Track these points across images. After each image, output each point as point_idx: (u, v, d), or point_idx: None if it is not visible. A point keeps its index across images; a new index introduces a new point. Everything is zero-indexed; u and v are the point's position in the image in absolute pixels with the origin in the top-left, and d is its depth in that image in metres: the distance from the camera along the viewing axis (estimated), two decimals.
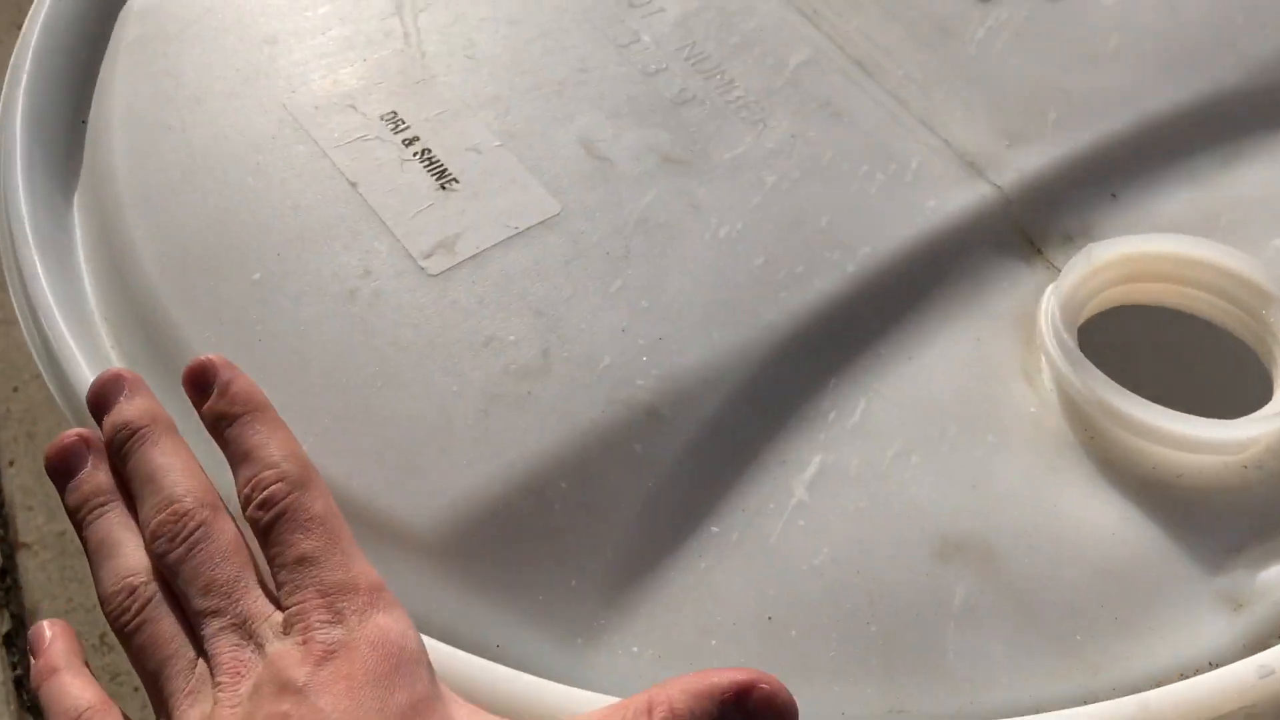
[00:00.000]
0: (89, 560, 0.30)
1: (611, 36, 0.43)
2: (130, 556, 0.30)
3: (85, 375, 0.35)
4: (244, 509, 0.29)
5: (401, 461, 0.32)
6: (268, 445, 0.30)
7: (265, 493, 0.29)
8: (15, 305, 0.37)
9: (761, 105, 0.41)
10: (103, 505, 0.31)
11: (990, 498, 0.33)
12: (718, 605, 0.31)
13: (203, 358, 0.31)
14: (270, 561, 0.29)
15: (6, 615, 1.00)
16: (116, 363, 0.37)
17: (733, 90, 0.41)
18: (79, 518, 0.31)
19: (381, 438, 0.33)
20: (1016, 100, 0.41)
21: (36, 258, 0.37)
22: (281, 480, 0.29)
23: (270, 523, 0.28)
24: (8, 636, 0.99)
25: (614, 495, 0.32)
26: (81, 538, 0.30)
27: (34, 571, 1.02)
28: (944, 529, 0.32)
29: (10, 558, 1.03)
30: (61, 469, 0.31)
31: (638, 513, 0.32)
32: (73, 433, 0.32)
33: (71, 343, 0.36)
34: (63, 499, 0.31)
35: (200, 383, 0.31)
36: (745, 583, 0.32)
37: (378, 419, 0.33)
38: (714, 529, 0.32)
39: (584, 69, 0.42)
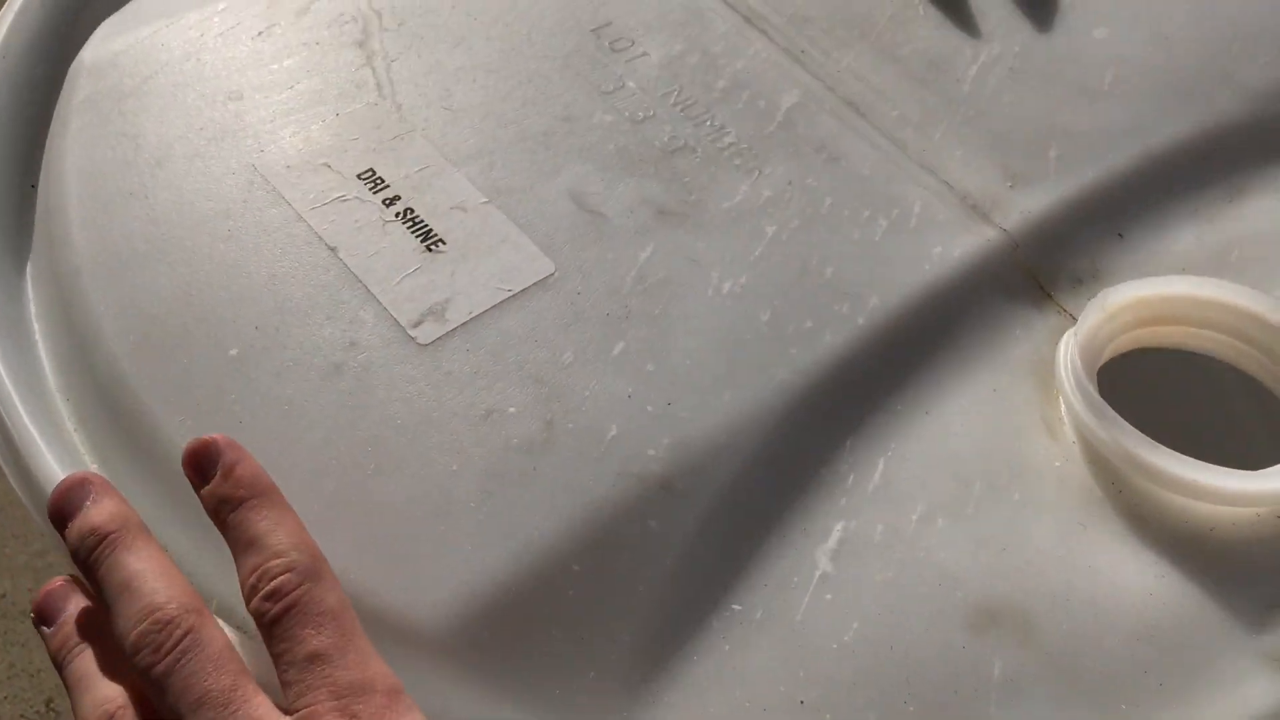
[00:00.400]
0: (70, 700, 0.29)
1: (595, 83, 0.41)
2: (108, 685, 0.28)
3: (46, 458, 0.32)
4: (248, 600, 0.27)
5: (400, 550, 0.30)
6: (275, 532, 0.28)
7: (273, 583, 0.27)
8: None
9: (755, 151, 0.39)
10: (81, 643, 0.29)
11: (1022, 561, 0.31)
12: (745, 691, 0.29)
13: (205, 437, 0.29)
14: (277, 659, 0.27)
15: None
16: (80, 445, 0.34)
17: (724, 136, 0.40)
18: (59, 660, 0.29)
19: (378, 524, 0.31)
20: (1016, 139, 0.40)
21: None
22: (290, 570, 0.27)
23: (278, 616, 0.27)
24: None
25: (630, 576, 0.30)
26: (63, 680, 0.29)
27: None
28: (977, 597, 0.31)
29: None
30: (44, 616, 0.30)
31: (656, 594, 0.30)
32: (57, 580, 0.30)
33: (30, 424, 0.33)
34: (45, 642, 0.30)
35: (201, 464, 0.29)
36: (773, 665, 0.30)
37: (373, 504, 0.31)
38: (736, 607, 0.31)
39: (569, 118, 0.40)
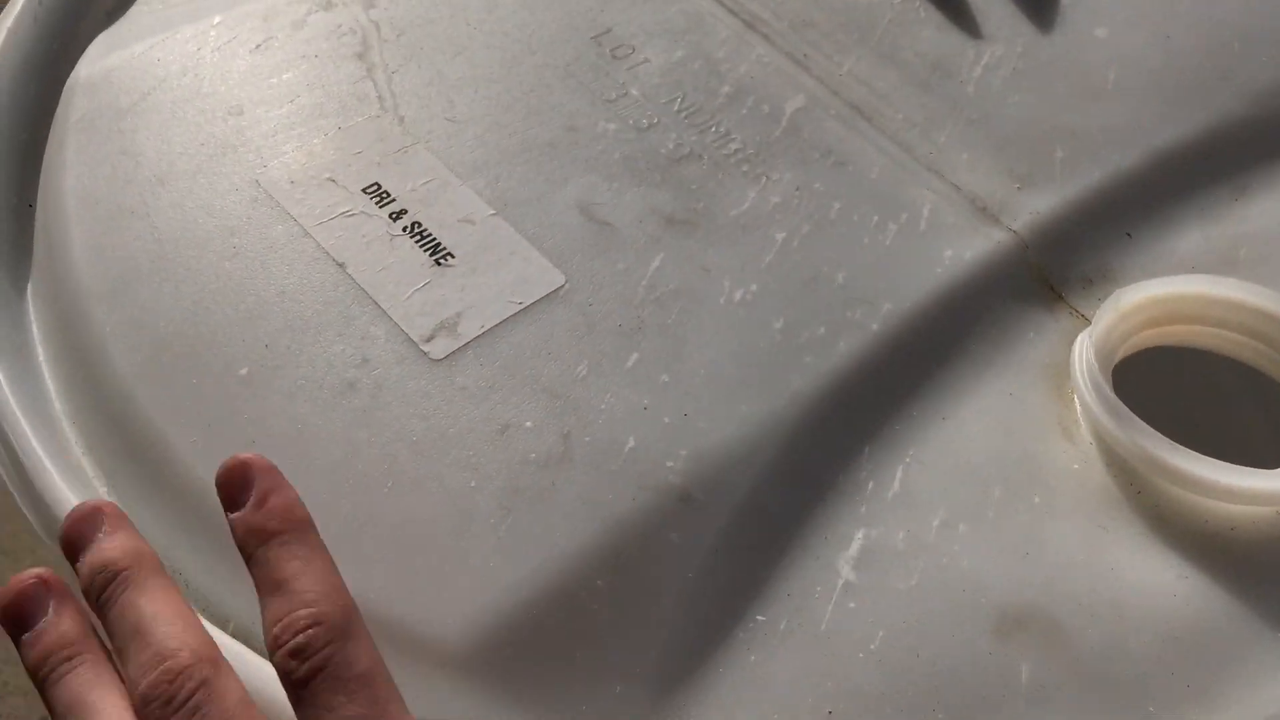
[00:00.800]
0: None
1: (597, 91, 0.41)
2: (114, 717, 0.26)
3: (57, 483, 0.32)
4: (271, 650, 0.26)
5: (421, 568, 0.30)
6: (304, 575, 0.26)
7: (299, 639, 0.25)
8: None
9: (761, 158, 0.39)
10: (69, 660, 0.27)
11: (1045, 565, 0.31)
12: (774, 702, 0.29)
13: (242, 456, 0.27)
14: None
15: None
16: (89, 470, 0.34)
17: (730, 143, 0.39)
18: (41, 676, 0.27)
19: (397, 543, 0.30)
20: (1022, 140, 0.40)
21: None
22: (319, 624, 0.25)
23: (306, 678, 0.25)
24: None
25: (653, 590, 0.30)
26: (46, 701, 0.26)
27: None
28: (1001, 602, 0.31)
29: None
30: (17, 618, 0.27)
31: (680, 607, 0.30)
32: (29, 574, 0.28)
33: (39, 449, 0.33)
34: (21, 655, 0.27)
35: (233, 487, 0.27)
36: (800, 675, 0.30)
37: (391, 523, 0.30)
38: (760, 617, 0.30)
39: (572, 128, 0.40)
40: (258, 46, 0.41)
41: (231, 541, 0.30)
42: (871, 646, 0.30)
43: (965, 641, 0.30)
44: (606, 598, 0.30)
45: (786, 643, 0.30)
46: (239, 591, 0.30)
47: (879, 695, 0.29)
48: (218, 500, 0.31)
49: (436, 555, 0.30)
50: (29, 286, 0.38)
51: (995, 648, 0.30)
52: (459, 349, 0.34)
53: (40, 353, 0.36)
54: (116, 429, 0.33)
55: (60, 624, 0.27)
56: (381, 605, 0.29)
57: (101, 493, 0.33)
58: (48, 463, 0.32)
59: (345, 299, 0.34)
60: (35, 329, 0.37)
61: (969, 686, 0.29)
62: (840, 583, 0.31)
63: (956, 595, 0.31)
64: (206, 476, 0.31)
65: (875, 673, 0.30)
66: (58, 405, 0.35)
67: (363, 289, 0.35)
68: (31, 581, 0.28)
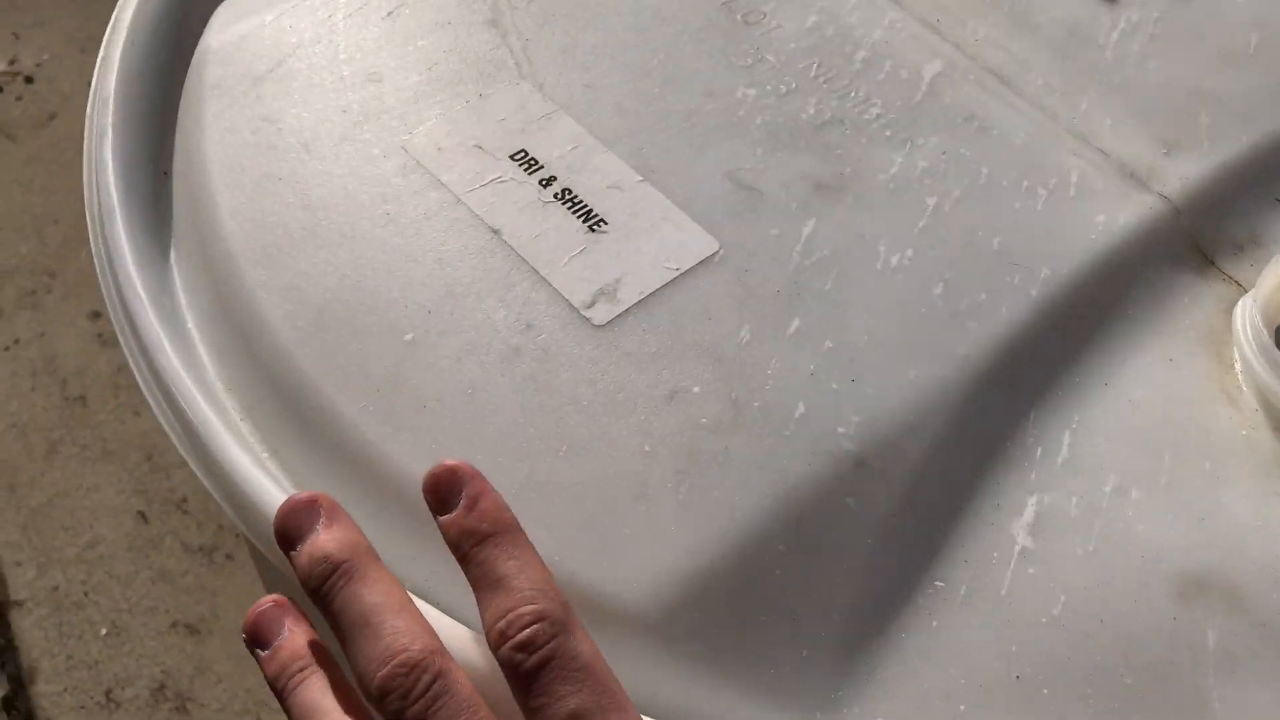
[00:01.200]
0: None
1: (732, 58, 0.40)
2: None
3: (233, 450, 0.32)
4: (495, 645, 0.26)
5: (603, 532, 0.30)
6: (523, 574, 0.27)
7: (525, 633, 0.26)
8: (138, 377, 0.34)
9: (904, 123, 0.39)
10: (303, 670, 0.28)
11: (1222, 530, 0.31)
12: (959, 667, 0.29)
13: (449, 462, 0.28)
14: (532, 714, 0.26)
15: (4, 677, 0.95)
16: (249, 435, 0.34)
17: (871, 108, 0.39)
18: (279, 687, 0.28)
19: (576, 507, 0.30)
20: (1165, 105, 0.39)
21: (159, 328, 0.34)
22: (542, 620, 0.26)
23: (534, 669, 0.26)
24: (6, 700, 0.94)
25: (833, 555, 0.30)
26: (285, 709, 0.28)
27: (29, 630, 0.98)
28: (1181, 568, 0.30)
29: (2, 617, 0.98)
30: (257, 638, 0.29)
31: (860, 572, 0.30)
32: (267, 599, 0.29)
33: (213, 417, 0.33)
34: (261, 669, 0.29)
35: (443, 491, 0.28)
36: (983, 640, 0.29)
37: (569, 486, 0.30)
38: (939, 583, 0.30)
39: (711, 93, 0.39)
40: (389, 14, 0.41)
41: (404, 504, 0.30)
42: (1054, 612, 0.30)
43: (1148, 606, 0.30)
44: (788, 562, 0.30)
45: (967, 608, 0.30)
46: (412, 554, 0.31)
47: (1065, 660, 0.29)
48: (389, 464, 0.31)
49: (617, 519, 0.30)
50: (172, 253, 0.38)
51: (1179, 613, 0.30)
52: (620, 315, 0.33)
53: (189, 318, 0.36)
54: (276, 394, 0.33)
55: (294, 640, 0.29)
56: (568, 568, 0.29)
57: (264, 458, 0.33)
58: (221, 429, 0.32)
59: (503, 265, 0.34)
60: (182, 295, 0.37)
61: (1155, 651, 0.29)
62: (1017, 549, 0.31)
63: (1135, 561, 0.31)
64: (378, 440, 0.32)
65: (1060, 638, 0.29)
66: (211, 371, 0.35)
67: (520, 255, 0.34)
68: (268, 605, 0.29)
